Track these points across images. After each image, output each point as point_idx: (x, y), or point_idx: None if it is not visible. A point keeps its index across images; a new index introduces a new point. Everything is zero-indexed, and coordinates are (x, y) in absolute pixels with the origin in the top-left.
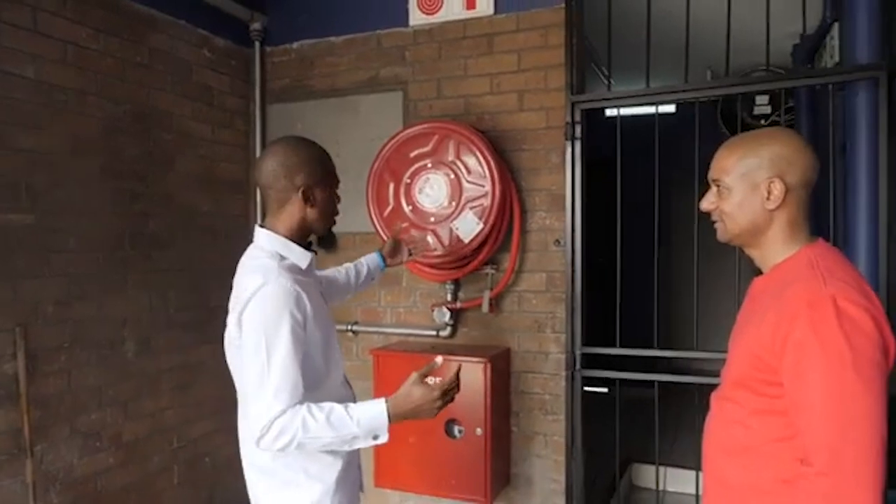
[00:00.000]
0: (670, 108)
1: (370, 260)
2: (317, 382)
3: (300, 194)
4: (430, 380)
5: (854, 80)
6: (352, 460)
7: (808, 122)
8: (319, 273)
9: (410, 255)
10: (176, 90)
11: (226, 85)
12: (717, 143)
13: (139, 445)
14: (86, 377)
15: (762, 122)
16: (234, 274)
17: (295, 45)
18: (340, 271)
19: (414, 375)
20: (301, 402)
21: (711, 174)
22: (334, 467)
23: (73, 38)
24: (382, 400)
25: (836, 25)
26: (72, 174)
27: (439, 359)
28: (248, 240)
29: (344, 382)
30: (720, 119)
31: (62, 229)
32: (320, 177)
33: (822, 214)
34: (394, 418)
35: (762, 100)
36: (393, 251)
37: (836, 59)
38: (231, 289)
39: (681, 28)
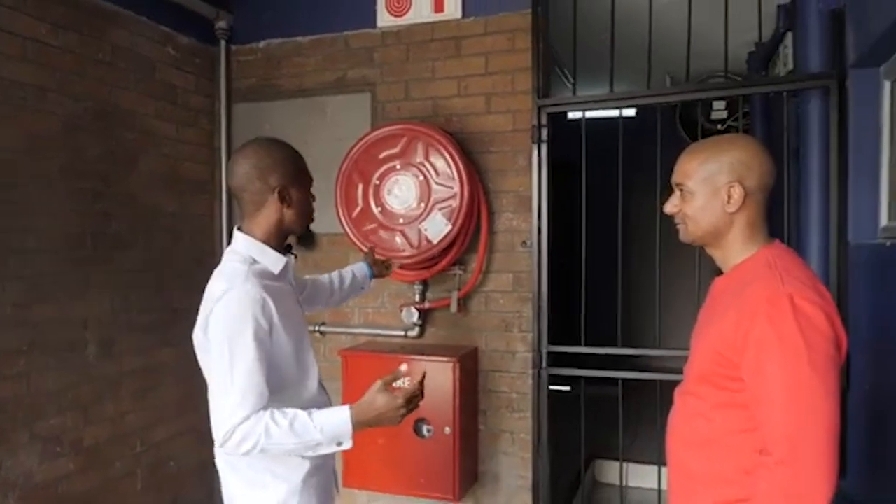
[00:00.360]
0: (630, 112)
1: (358, 269)
2: (290, 388)
3: (276, 195)
4: (399, 382)
5: (807, 89)
6: (323, 463)
7: (763, 126)
8: (307, 277)
9: (388, 268)
10: (139, 88)
11: (190, 83)
12: (675, 145)
13: (101, 450)
14: (45, 381)
15: (719, 126)
16: (198, 274)
17: (261, 44)
18: (325, 277)
19: (378, 383)
20: (266, 408)
21: (675, 178)
22: (301, 469)
23: (32, 33)
24: (347, 407)
25: (789, 35)
26: (30, 172)
27: (404, 367)
28: (212, 240)
29: (320, 388)
30: (679, 122)
31: (20, 229)
32: (294, 176)
33: (776, 216)
34: (357, 426)
35: (719, 105)
36: (374, 262)
37: (790, 66)
38: (196, 290)
39: (640, 34)
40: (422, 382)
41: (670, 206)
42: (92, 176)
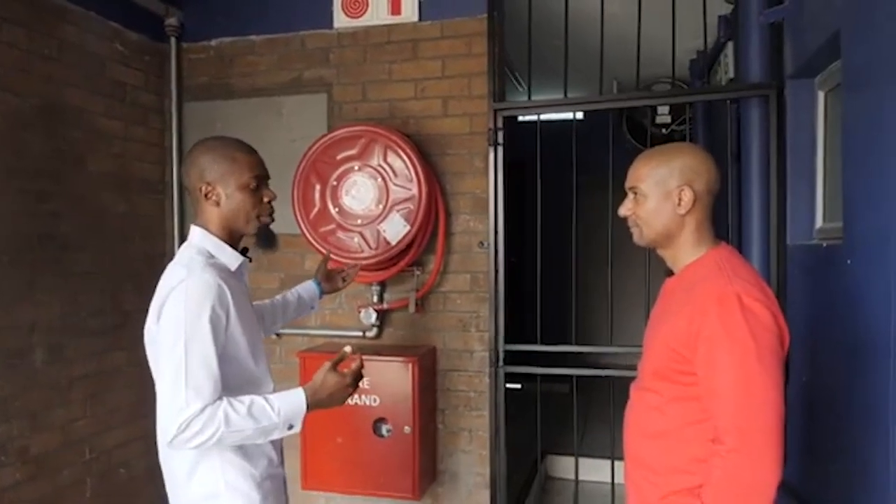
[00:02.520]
0: (579, 115)
1: (305, 289)
2: (253, 386)
3: (202, 194)
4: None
5: (747, 97)
6: (276, 473)
7: (705, 130)
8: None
9: (345, 280)
10: (87, 85)
11: (140, 81)
12: (622, 147)
13: (48, 459)
14: None
15: (663, 130)
16: (149, 276)
17: (213, 42)
18: (267, 303)
19: (327, 364)
20: (220, 398)
21: (628, 183)
22: (253, 477)
23: None
24: (301, 390)
25: (729, 44)
26: None
27: (348, 348)
28: (163, 241)
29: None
30: (625, 125)
31: None
32: (219, 175)
33: (719, 217)
34: (311, 406)
35: (663, 110)
36: (327, 277)
37: (730, 74)
38: (147, 291)
39: (588, 41)
40: (361, 363)
41: (624, 209)
42: (38, 176)
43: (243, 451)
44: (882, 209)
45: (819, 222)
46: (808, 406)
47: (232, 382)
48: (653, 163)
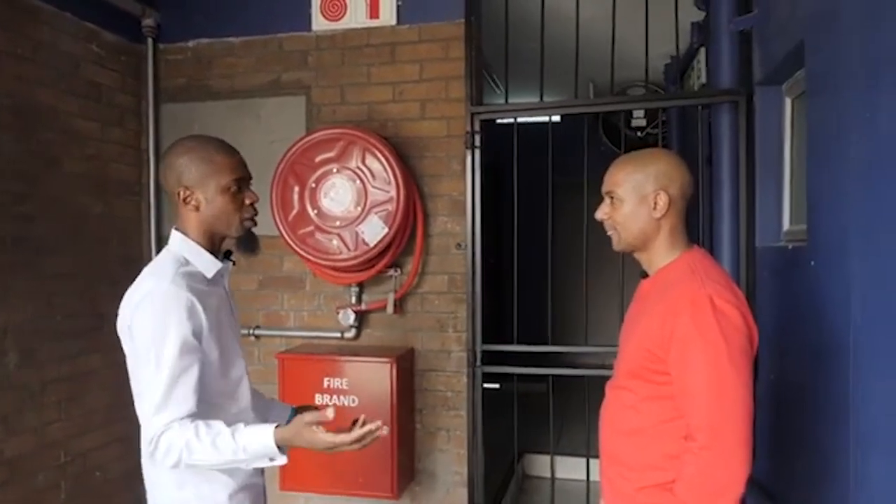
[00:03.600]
0: (555, 118)
1: (280, 410)
2: (216, 401)
3: (180, 198)
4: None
5: (718, 103)
6: (251, 483)
7: (679, 134)
8: None
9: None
10: (61, 86)
11: (116, 82)
12: (598, 150)
13: (22, 462)
14: None
15: (638, 133)
16: (126, 279)
17: (191, 43)
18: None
19: (302, 420)
20: (192, 417)
21: (605, 188)
22: (227, 488)
23: None
24: (271, 431)
25: (702, 50)
26: None
27: (330, 412)
28: (140, 244)
29: (253, 401)
30: (601, 128)
31: None
32: (198, 179)
33: (691, 219)
34: (284, 448)
35: (639, 113)
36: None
37: (703, 79)
38: (124, 294)
39: (565, 44)
40: (354, 423)
41: (601, 213)
42: (11, 177)
43: None
44: (840, 212)
45: (786, 224)
46: (775, 404)
47: (203, 401)
48: (629, 168)
